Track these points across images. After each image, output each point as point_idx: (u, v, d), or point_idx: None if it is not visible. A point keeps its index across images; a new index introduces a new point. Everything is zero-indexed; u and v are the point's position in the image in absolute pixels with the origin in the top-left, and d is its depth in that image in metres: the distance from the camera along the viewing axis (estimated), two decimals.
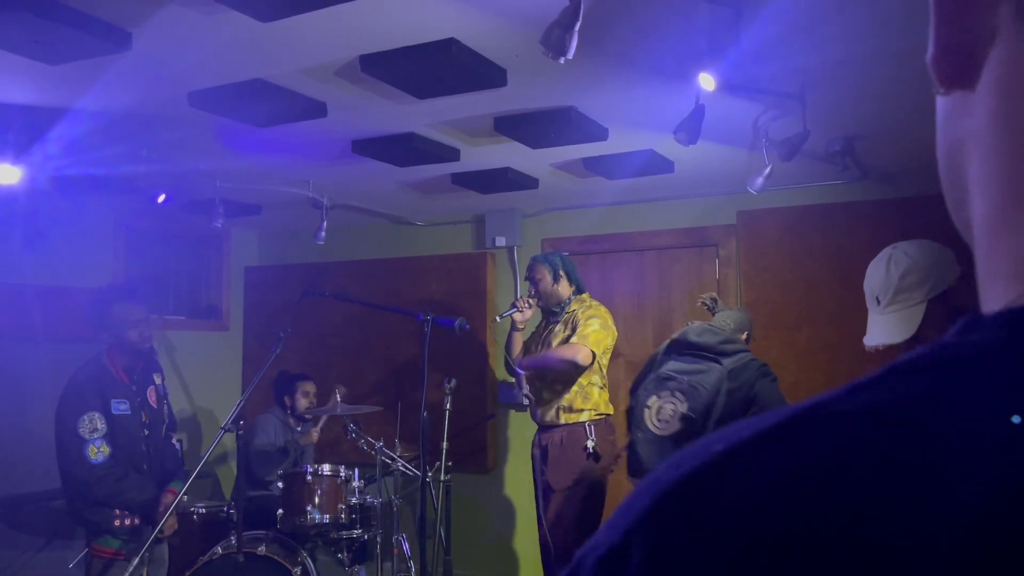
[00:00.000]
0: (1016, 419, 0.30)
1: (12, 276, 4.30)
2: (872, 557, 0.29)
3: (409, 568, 4.30)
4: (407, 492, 4.64)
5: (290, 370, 4.90)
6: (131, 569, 3.03)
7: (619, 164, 3.85)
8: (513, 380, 4.35)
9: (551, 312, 3.99)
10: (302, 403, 4.75)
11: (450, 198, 4.74)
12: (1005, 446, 0.30)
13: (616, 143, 3.56)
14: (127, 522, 3.38)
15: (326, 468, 3.87)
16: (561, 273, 3.92)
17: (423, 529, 3.57)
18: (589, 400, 3.80)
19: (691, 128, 2.75)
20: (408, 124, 3.35)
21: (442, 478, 4.05)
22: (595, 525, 3.72)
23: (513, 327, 4.05)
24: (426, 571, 3.61)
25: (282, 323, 3.94)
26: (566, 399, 3.81)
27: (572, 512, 3.74)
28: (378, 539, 4.04)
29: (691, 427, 2.83)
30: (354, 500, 3.92)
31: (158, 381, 3.68)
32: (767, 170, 3.38)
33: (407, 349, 5.25)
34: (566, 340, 3.82)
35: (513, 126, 3.25)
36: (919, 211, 3.53)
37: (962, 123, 0.39)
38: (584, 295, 3.99)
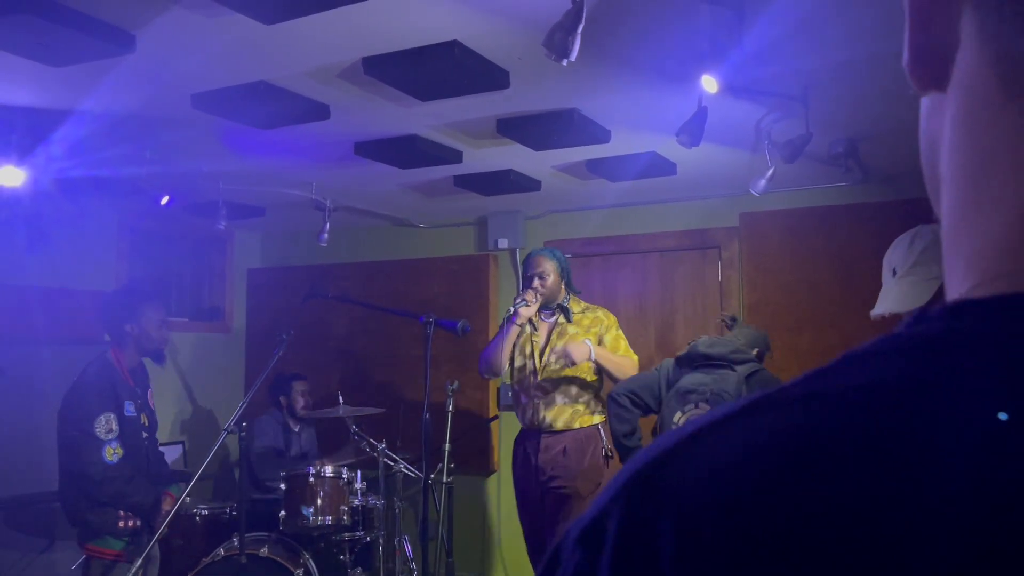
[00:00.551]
0: (1004, 416, 0.32)
1: (15, 278, 4.31)
2: (811, 522, 0.32)
3: (411, 570, 4.29)
4: (409, 494, 4.64)
5: (291, 372, 4.90)
6: (133, 571, 3.04)
7: (621, 166, 3.86)
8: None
9: (544, 310, 3.83)
10: (298, 402, 4.76)
11: (452, 200, 4.75)
12: (980, 432, 0.32)
13: (618, 145, 3.56)
14: (130, 524, 3.38)
15: (328, 470, 3.87)
16: (565, 271, 3.82)
17: (425, 531, 3.57)
18: (599, 404, 3.79)
19: (693, 130, 2.76)
20: (411, 126, 3.36)
21: (444, 480, 4.05)
22: None
23: (513, 321, 3.78)
24: (428, 573, 3.61)
25: (285, 325, 3.94)
26: (581, 404, 3.73)
27: None
28: (380, 541, 4.04)
29: None
30: (356, 502, 3.93)
31: (151, 384, 3.70)
32: (769, 172, 3.38)
33: (409, 351, 5.26)
34: (591, 337, 3.73)
35: (515, 128, 3.26)
36: (922, 213, 3.51)
37: (936, 122, 0.42)
38: (575, 297, 3.88)
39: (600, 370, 3.74)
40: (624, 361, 3.72)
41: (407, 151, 3.57)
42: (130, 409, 3.43)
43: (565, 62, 1.92)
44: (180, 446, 5.12)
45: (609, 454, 3.75)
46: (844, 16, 2.26)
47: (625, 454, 3.19)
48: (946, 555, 0.30)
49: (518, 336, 3.86)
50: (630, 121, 3.26)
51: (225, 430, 3.34)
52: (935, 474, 0.31)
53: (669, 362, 3.22)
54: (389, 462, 4.09)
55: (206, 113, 2.99)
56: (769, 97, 2.88)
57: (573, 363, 3.62)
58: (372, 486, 4.13)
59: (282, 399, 4.80)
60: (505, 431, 5.18)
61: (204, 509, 3.89)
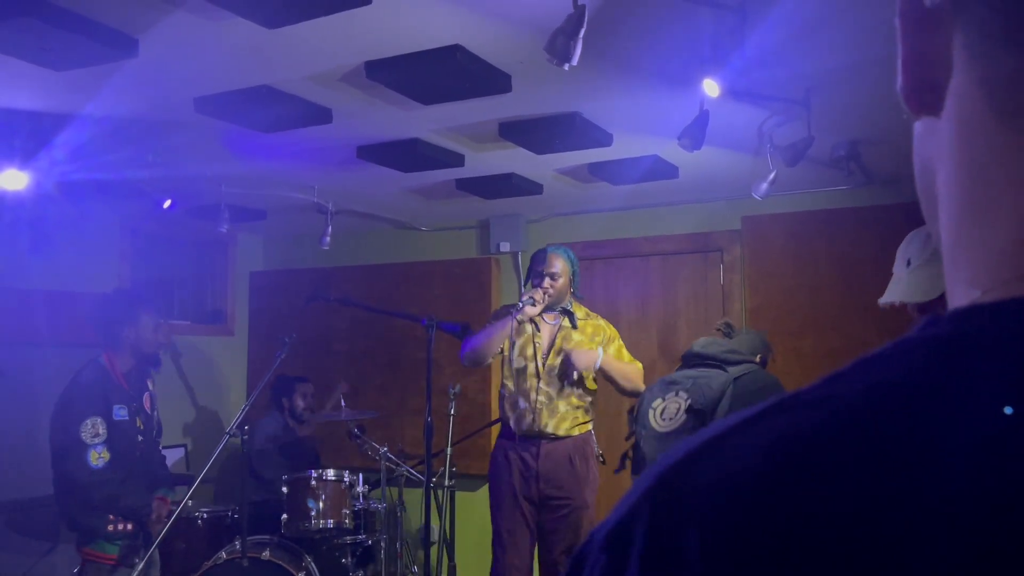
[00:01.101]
0: (1009, 409, 0.33)
1: (19, 281, 4.32)
2: (820, 525, 0.33)
3: (413, 573, 4.29)
4: (411, 497, 4.64)
5: (294, 374, 4.91)
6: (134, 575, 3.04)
7: (623, 169, 3.86)
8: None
9: (549, 310, 3.65)
10: (300, 404, 4.77)
11: (454, 203, 4.75)
12: (983, 432, 0.33)
13: (620, 149, 3.56)
14: (120, 527, 3.37)
15: (330, 473, 3.88)
16: (575, 275, 3.68)
17: (427, 534, 3.57)
18: (594, 410, 3.74)
19: (695, 134, 2.76)
20: (413, 130, 3.36)
21: (446, 483, 4.05)
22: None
23: (514, 315, 3.55)
24: None
25: (287, 328, 3.95)
26: (580, 411, 3.64)
27: (592, 524, 3.66)
28: (382, 544, 4.04)
29: (698, 420, 2.87)
30: (358, 505, 3.93)
31: (151, 387, 3.68)
32: (771, 176, 3.38)
33: (411, 354, 5.26)
34: (594, 346, 3.64)
35: (518, 132, 3.26)
36: (923, 216, 3.52)
37: (930, 145, 0.43)
38: (577, 301, 3.75)
39: (602, 378, 3.65)
40: (630, 369, 3.66)
41: (409, 155, 3.57)
42: (120, 413, 3.42)
43: (567, 66, 1.93)
44: (182, 449, 5.12)
45: (602, 459, 3.70)
46: (846, 20, 2.26)
47: None
48: (947, 555, 0.31)
49: (517, 336, 3.67)
50: (632, 125, 3.26)
51: (227, 433, 3.35)
52: (936, 474, 0.32)
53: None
54: (391, 465, 4.09)
55: (209, 117, 3.00)
56: (771, 101, 2.89)
57: (576, 370, 3.53)
58: (374, 489, 4.14)
59: (284, 401, 4.81)
60: None
61: (206, 512, 3.89)
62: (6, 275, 4.28)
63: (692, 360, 3.07)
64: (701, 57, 2.40)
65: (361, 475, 4.02)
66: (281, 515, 3.85)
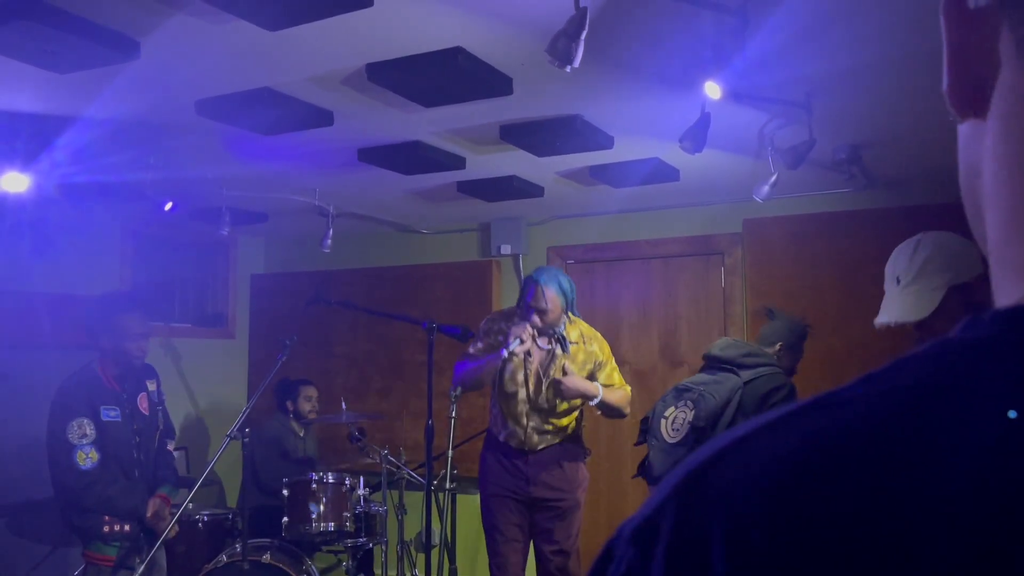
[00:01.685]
0: (1012, 414, 0.33)
1: (20, 283, 4.32)
2: (842, 526, 0.33)
3: None
4: (412, 500, 4.63)
5: (296, 377, 4.91)
6: None
7: (625, 172, 3.86)
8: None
9: (540, 334, 3.51)
10: (305, 407, 4.76)
11: (456, 206, 4.75)
12: (988, 434, 0.33)
13: (622, 151, 3.56)
14: (116, 528, 3.36)
15: (331, 476, 3.87)
16: (570, 305, 3.51)
17: (428, 537, 3.56)
18: (582, 421, 3.71)
19: (697, 136, 2.76)
20: (414, 132, 3.36)
21: (447, 486, 4.04)
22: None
23: (503, 351, 3.38)
24: None
25: (288, 331, 3.94)
26: (571, 427, 3.62)
27: (581, 523, 3.68)
28: (383, 547, 4.03)
29: (699, 436, 2.88)
30: (359, 508, 3.92)
31: (152, 388, 3.65)
32: (773, 178, 3.38)
33: (412, 357, 5.26)
34: (584, 373, 3.53)
35: (519, 134, 3.26)
36: (926, 219, 3.51)
37: (976, 147, 0.43)
38: (572, 319, 3.60)
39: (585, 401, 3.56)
40: (623, 401, 3.57)
41: (410, 157, 3.57)
42: (109, 414, 3.40)
43: (569, 69, 1.92)
44: (183, 452, 5.12)
45: (587, 452, 3.69)
46: (847, 23, 2.26)
47: None
48: (955, 556, 0.31)
49: (508, 361, 3.53)
50: (633, 127, 3.26)
51: (228, 436, 3.34)
52: (945, 476, 0.33)
53: None
54: (392, 468, 4.09)
55: (210, 119, 3.00)
56: (772, 103, 2.88)
57: (566, 399, 3.47)
58: (375, 492, 4.13)
59: (289, 403, 4.80)
60: None
61: (206, 515, 3.89)
62: (7, 278, 4.28)
63: (710, 363, 3.10)
64: (703, 60, 2.40)
65: (362, 478, 4.01)
66: (282, 518, 3.84)
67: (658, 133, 3.28)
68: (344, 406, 4.31)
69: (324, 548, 4.01)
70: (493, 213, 4.95)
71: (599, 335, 3.64)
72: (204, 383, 5.50)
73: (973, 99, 0.42)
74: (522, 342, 3.35)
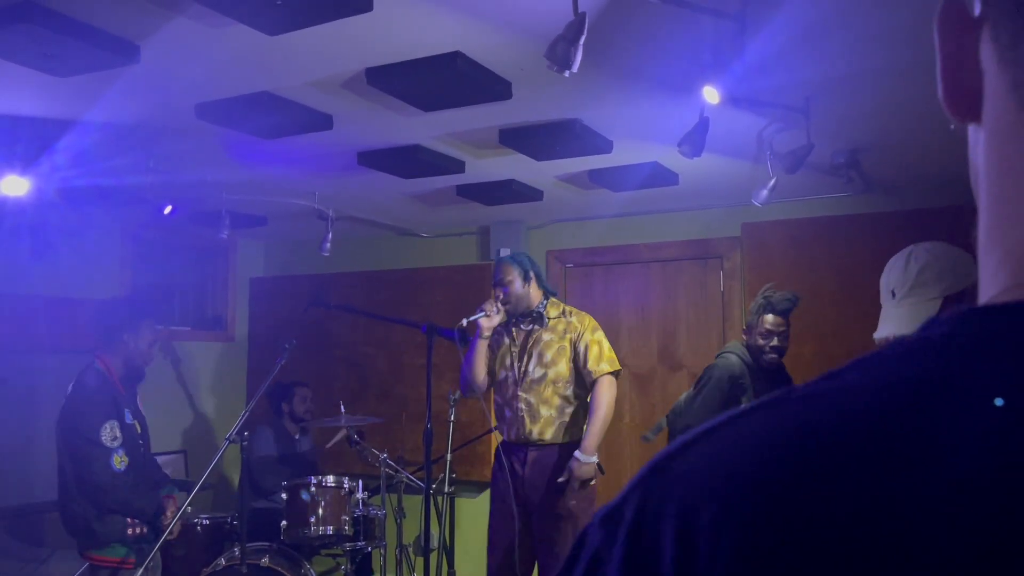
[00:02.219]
0: (999, 401, 0.34)
1: (19, 287, 4.32)
2: (796, 513, 0.35)
3: None
4: (411, 503, 4.63)
5: (292, 380, 4.89)
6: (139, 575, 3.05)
7: (624, 176, 3.86)
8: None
9: (521, 318, 3.63)
10: (299, 408, 4.76)
11: (455, 210, 4.76)
12: (940, 429, 0.34)
13: (620, 155, 3.57)
14: (138, 531, 3.38)
15: (330, 479, 3.87)
16: (531, 275, 3.60)
17: (427, 541, 3.56)
18: (585, 416, 3.60)
19: (695, 141, 2.76)
20: (413, 136, 3.37)
21: (446, 490, 4.04)
22: None
23: (478, 334, 3.62)
24: None
25: (287, 334, 3.94)
26: (568, 417, 3.56)
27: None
28: (382, 551, 4.03)
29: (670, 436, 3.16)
30: (358, 512, 3.92)
31: (138, 390, 3.70)
32: (771, 183, 3.39)
33: (411, 360, 5.26)
34: (565, 353, 3.55)
35: (518, 138, 3.27)
36: (923, 223, 3.53)
37: (975, 151, 0.44)
38: (555, 299, 3.69)
39: (580, 394, 3.58)
40: (604, 411, 3.48)
41: (410, 161, 3.58)
42: (128, 417, 3.44)
43: (567, 73, 1.93)
44: (181, 455, 5.11)
45: (600, 469, 3.59)
46: (846, 28, 2.27)
47: None
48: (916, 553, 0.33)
49: (496, 348, 3.69)
50: (632, 131, 3.27)
51: (227, 439, 3.34)
52: (927, 471, 0.34)
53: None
54: (391, 471, 4.09)
55: (210, 123, 3.00)
56: (771, 108, 2.89)
57: (588, 478, 3.46)
58: (373, 496, 4.13)
59: (284, 406, 4.80)
60: None
61: (205, 518, 3.89)
62: (7, 281, 4.28)
63: None
64: (701, 64, 2.41)
65: (361, 481, 4.01)
66: (280, 521, 3.84)
67: (657, 137, 3.29)
68: (343, 409, 4.31)
69: (323, 552, 4.01)
70: (492, 217, 4.96)
71: (590, 316, 3.66)
72: (203, 386, 5.50)
73: (967, 106, 0.43)
74: (487, 314, 3.57)
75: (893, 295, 1.87)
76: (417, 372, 5.19)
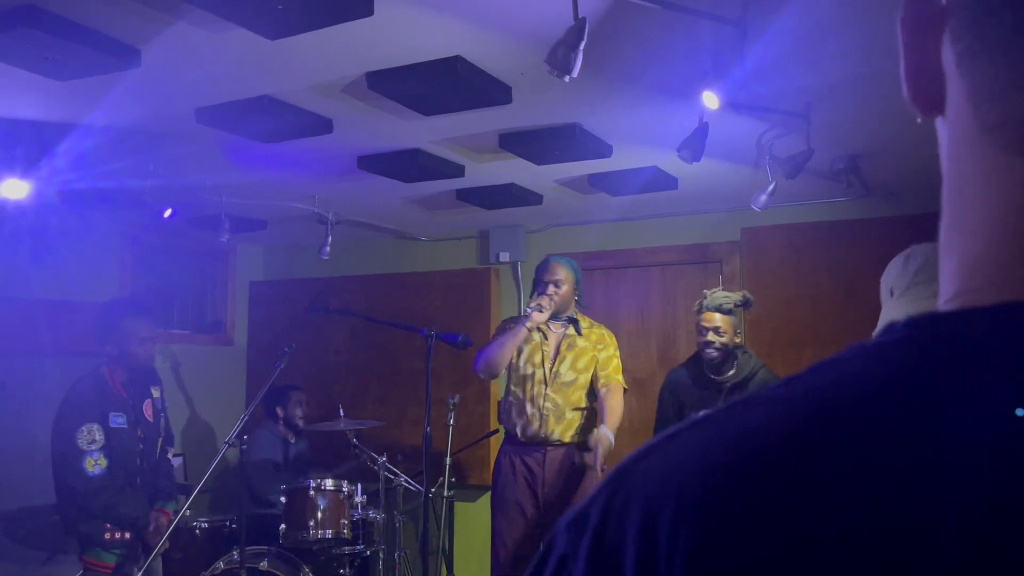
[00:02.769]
0: (1020, 412, 0.34)
1: (19, 290, 4.32)
2: (749, 515, 0.36)
3: None
4: (409, 508, 4.62)
5: (290, 384, 4.88)
6: None
7: (623, 181, 3.87)
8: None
9: (553, 319, 3.69)
10: (295, 413, 4.74)
11: (454, 214, 4.76)
12: (869, 435, 0.35)
13: (620, 160, 3.57)
14: (117, 536, 3.36)
15: (329, 483, 3.86)
16: (580, 284, 3.74)
17: (426, 545, 3.56)
18: (594, 414, 3.75)
19: (695, 146, 2.76)
20: (413, 140, 3.37)
21: (445, 494, 4.03)
22: None
23: (523, 323, 3.62)
24: None
25: (287, 338, 3.94)
26: (585, 418, 3.68)
27: None
28: (380, 555, 4.02)
29: None
30: (356, 516, 3.91)
31: (156, 395, 3.66)
32: (771, 187, 3.39)
33: (411, 364, 5.25)
34: (594, 363, 3.68)
35: (518, 143, 3.27)
36: (923, 228, 3.51)
37: (942, 147, 0.44)
38: (584, 311, 3.84)
39: (591, 402, 3.72)
40: (621, 409, 3.62)
41: (409, 165, 3.58)
42: (117, 421, 3.40)
43: (568, 78, 1.93)
44: (180, 458, 5.11)
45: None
46: (845, 34, 2.27)
47: None
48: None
49: (525, 344, 3.72)
50: (632, 136, 3.27)
51: (226, 443, 3.34)
52: (842, 476, 0.35)
53: None
54: (389, 475, 4.08)
55: (210, 127, 3.01)
56: (771, 113, 2.90)
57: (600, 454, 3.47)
58: (372, 500, 4.13)
59: (279, 410, 4.78)
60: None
61: (204, 522, 3.88)
62: (7, 284, 4.28)
63: None
64: (701, 70, 2.41)
65: (360, 485, 4.01)
66: (279, 525, 3.83)
67: (656, 142, 3.29)
68: (342, 413, 4.31)
69: (322, 556, 4.00)
70: (492, 221, 4.96)
71: (608, 329, 3.85)
72: (202, 390, 5.49)
73: (932, 101, 0.43)
74: (542, 309, 3.57)
75: (891, 293, 1.88)
76: (416, 376, 5.19)
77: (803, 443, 0.36)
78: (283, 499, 3.86)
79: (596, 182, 3.92)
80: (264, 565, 3.61)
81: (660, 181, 3.88)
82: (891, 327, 0.40)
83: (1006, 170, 0.39)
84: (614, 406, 3.59)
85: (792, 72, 2.53)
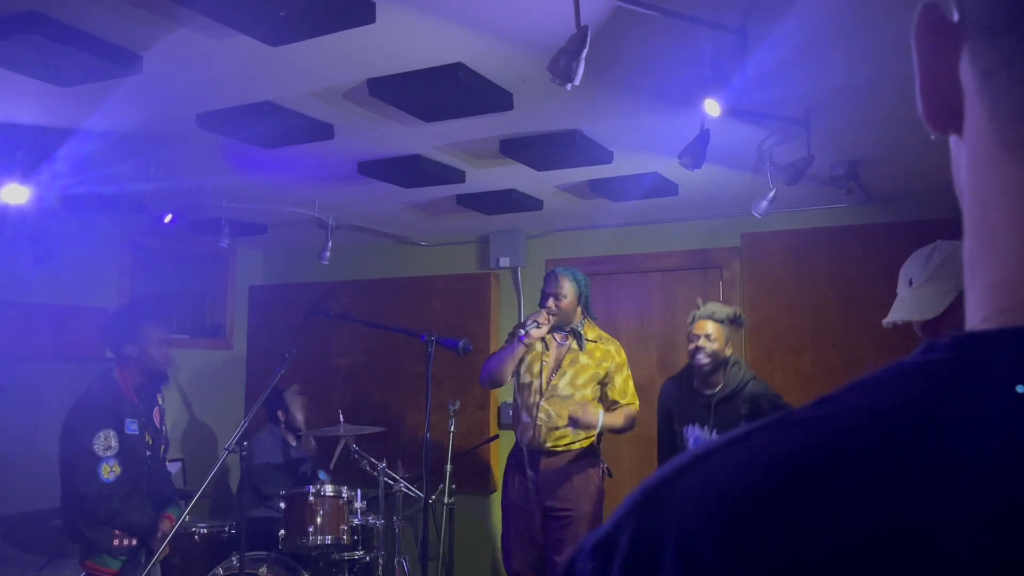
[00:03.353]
0: (1021, 388, 0.34)
1: (19, 294, 4.32)
2: (797, 543, 0.34)
3: None
4: (409, 513, 4.62)
5: (286, 386, 4.88)
6: None
7: (624, 186, 3.87)
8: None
9: (557, 330, 3.74)
10: (298, 416, 4.73)
11: (454, 219, 4.76)
12: (937, 458, 0.34)
13: (621, 166, 3.57)
14: (125, 543, 3.36)
15: (328, 489, 3.86)
16: (584, 297, 3.74)
17: (425, 551, 3.55)
18: (601, 437, 3.80)
19: (696, 152, 2.77)
20: (414, 146, 3.37)
21: (446, 500, 4.03)
22: None
23: (521, 339, 3.68)
24: None
25: (286, 342, 3.94)
26: (582, 431, 3.70)
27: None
28: (380, 561, 4.02)
29: None
30: (356, 521, 3.91)
31: (160, 401, 3.68)
32: (771, 194, 3.39)
33: (411, 369, 5.25)
34: (596, 380, 3.70)
35: (518, 148, 3.27)
36: (923, 234, 3.52)
37: (958, 164, 0.44)
38: (590, 321, 3.84)
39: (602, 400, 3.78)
40: (627, 423, 3.73)
41: (410, 170, 3.58)
42: (131, 427, 3.42)
43: (569, 86, 1.94)
44: (179, 463, 5.10)
45: (608, 472, 3.78)
46: (845, 42, 2.28)
47: None
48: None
49: (526, 352, 3.79)
50: (633, 143, 3.27)
51: (226, 449, 3.33)
52: (931, 504, 0.33)
53: None
54: (389, 481, 4.08)
55: (211, 132, 3.01)
56: (771, 120, 2.90)
57: (579, 427, 3.59)
58: (372, 505, 4.12)
59: (280, 413, 4.78)
60: (505, 451, 5.17)
61: (203, 527, 3.87)
62: (7, 289, 4.28)
63: None
64: (702, 78, 2.42)
65: (359, 491, 4.00)
66: (278, 531, 3.83)
67: (657, 148, 3.30)
68: (342, 418, 4.30)
69: (321, 562, 3.99)
70: (492, 226, 4.96)
71: (618, 342, 3.84)
72: (201, 394, 5.48)
73: (946, 120, 0.43)
74: (539, 325, 3.62)
75: (910, 283, 1.88)
76: (416, 381, 5.19)
77: (847, 468, 0.35)
78: (282, 504, 3.86)
79: (597, 188, 3.92)
80: (263, 571, 3.60)
81: (661, 187, 3.88)
82: (933, 346, 0.39)
83: None
84: (621, 412, 3.70)
85: (792, 79, 2.53)
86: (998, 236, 0.40)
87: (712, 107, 2.50)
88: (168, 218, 4.05)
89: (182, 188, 3.84)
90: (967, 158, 0.42)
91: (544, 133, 3.16)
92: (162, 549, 3.17)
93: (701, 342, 3.37)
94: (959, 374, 0.37)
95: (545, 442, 3.67)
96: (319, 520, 3.77)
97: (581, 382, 3.70)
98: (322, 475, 3.86)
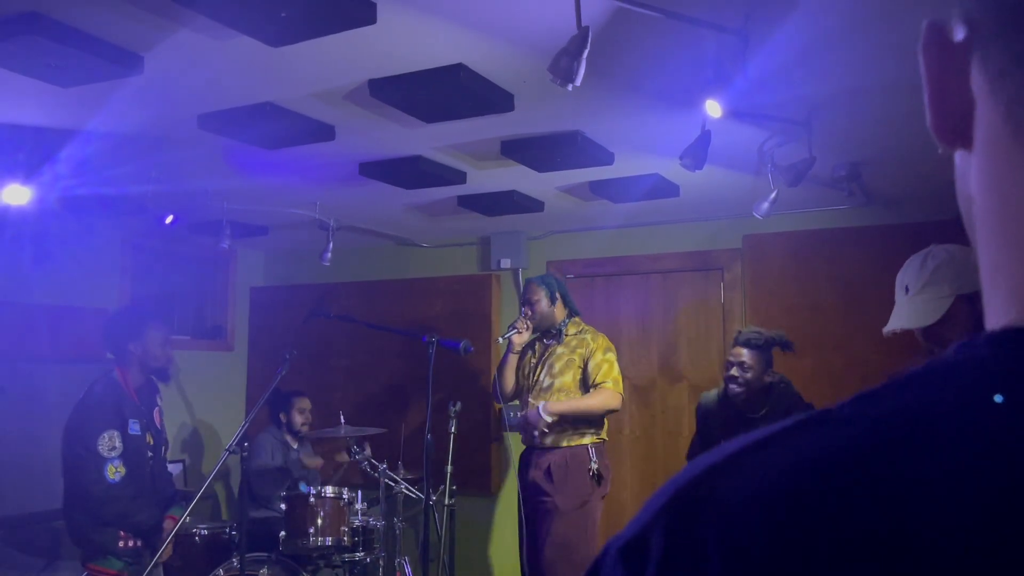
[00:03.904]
0: (998, 398, 0.34)
1: (20, 295, 4.32)
2: (851, 545, 0.33)
3: None
4: (410, 515, 4.62)
5: (292, 389, 4.88)
6: None
7: (625, 188, 3.87)
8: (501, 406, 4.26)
9: (545, 333, 4.02)
10: (298, 419, 4.73)
11: (455, 220, 4.76)
12: (983, 459, 0.33)
13: (622, 167, 3.57)
14: (131, 544, 3.35)
15: (329, 490, 3.86)
16: (557, 295, 3.99)
17: (426, 552, 3.55)
18: (593, 425, 3.86)
19: (697, 153, 2.76)
20: (415, 147, 3.37)
21: (446, 501, 4.03)
22: (593, 546, 3.72)
23: (509, 349, 4.06)
24: None
25: (287, 344, 3.94)
26: (568, 425, 3.84)
27: (575, 534, 3.72)
28: (380, 562, 4.01)
29: None
30: (357, 523, 3.91)
31: (160, 402, 3.68)
32: (773, 195, 3.39)
33: (411, 371, 5.25)
34: (573, 366, 3.88)
35: (519, 150, 3.27)
36: (924, 236, 3.52)
37: (967, 179, 0.44)
38: (577, 318, 4.05)
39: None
40: (592, 400, 3.82)
41: (411, 172, 3.58)
42: (134, 428, 3.42)
43: (570, 87, 1.93)
44: (180, 464, 5.10)
45: (598, 474, 3.81)
46: (847, 44, 2.27)
47: None
48: None
49: (521, 358, 4.08)
50: (634, 144, 3.27)
51: (227, 450, 3.33)
52: (935, 501, 0.33)
53: None
54: (390, 483, 4.07)
55: (212, 133, 3.01)
56: (772, 122, 2.90)
57: (536, 428, 3.77)
58: (373, 507, 4.12)
59: (282, 416, 4.78)
60: (507, 452, 5.16)
61: (204, 529, 3.87)
62: (8, 290, 4.28)
63: None
64: (704, 79, 2.41)
65: (360, 492, 4.00)
66: (279, 532, 3.82)
67: (658, 150, 3.29)
68: (343, 420, 4.30)
69: (322, 563, 3.99)
70: (493, 227, 4.96)
71: (603, 335, 4.00)
72: (202, 395, 5.48)
73: (956, 132, 0.42)
74: (518, 331, 3.97)
75: (907, 290, 1.88)
76: (417, 382, 5.18)
77: (896, 468, 0.34)
78: (283, 506, 3.86)
79: (598, 189, 3.92)
80: (264, 572, 3.60)
81: (662, 188, 3.88)
82: (971, 343, 0.39)
83: None
84: (592, 395, 3.82)
85: (794, 81, 2.53)
86: (1019, 247, 0.39)
87: (713, 108, 2.49)
88: (169, 219, 4.05)
89: (183, 189, 3.84)
90: (982, 166, 0.42)
91: (545, 134, 3.16)
92: (163, 549, 3.16)
93: (734, 371, 3.26)
94: (1004, 372, 0.36)
95: (535, 438, 3.85)
96: (320, 521, 3.77)
97: (556, 370, 3.89)
98: (303, 487, 3.86)
